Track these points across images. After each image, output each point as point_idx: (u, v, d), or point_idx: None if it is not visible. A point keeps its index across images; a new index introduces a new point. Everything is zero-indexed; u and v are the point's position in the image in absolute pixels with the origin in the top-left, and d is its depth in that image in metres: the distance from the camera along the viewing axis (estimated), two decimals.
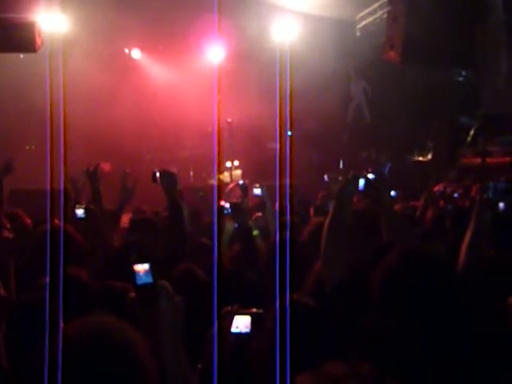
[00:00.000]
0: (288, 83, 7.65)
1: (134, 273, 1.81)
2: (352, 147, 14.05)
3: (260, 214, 5.45)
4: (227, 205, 4.81)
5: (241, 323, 2.22)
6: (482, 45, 10.61)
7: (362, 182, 3.02)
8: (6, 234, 3.30)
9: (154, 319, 1.78)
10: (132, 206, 5.94)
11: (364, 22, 13.88)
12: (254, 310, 2.25)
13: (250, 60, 12.90)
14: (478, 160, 11.13)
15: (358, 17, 14.01)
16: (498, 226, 3.50)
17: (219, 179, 11.04)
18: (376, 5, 13.13)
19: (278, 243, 3.19)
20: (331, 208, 2.88)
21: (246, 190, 5.52)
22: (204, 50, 13.12)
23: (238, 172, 12.57)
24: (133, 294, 1.83)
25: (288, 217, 4.41)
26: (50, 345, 1.58)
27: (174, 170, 4.07)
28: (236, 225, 4.56)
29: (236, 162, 12.62)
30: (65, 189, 4.47)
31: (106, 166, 10.40)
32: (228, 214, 4.75)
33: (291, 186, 5.40)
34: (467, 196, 6.87)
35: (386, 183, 3.44)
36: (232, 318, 2.22)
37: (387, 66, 11.73)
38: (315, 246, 2.85)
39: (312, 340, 2.14)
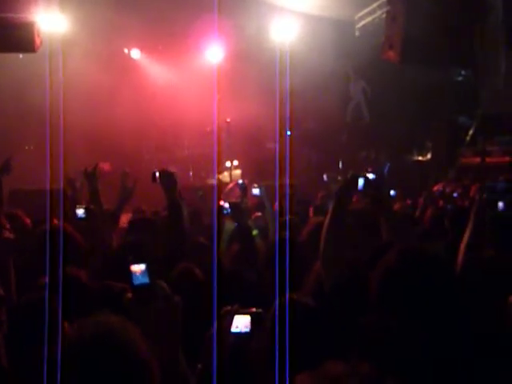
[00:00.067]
0: (287, 83, 7.64)
1: (130, 273, 1.81)
2: (351, 147, 14.07)
3: (259, 213, 5.45)
4: (226, 204, 4.82)
5: (240, 323, 2.22)
6: (482, 45, 10.62)
7: (361, 181, 3.01)
8: (6, 234, 3.29)
9: (151, 319, 1.78)
10: (131, 205, 5.95)
11: (363, 22, 13.87)
12: (254, 309, 2.25)
13: (249, 60, 12.89)
14: (477, 160, 11.12)
15: (357, 17, 13.99)
16: (498, 226, 3.51)
17: (218, 179, 11.06)
18: (375, 5, 13.13)
19: (277, 243, 3.19)
20: (330, 208, 2.88)
21: (245, 189, 5.51)
22: (203, 49, 13.12)
23: (238, 172, 12.56)
24: (130, 295, 1.84)
25: (287, 216, 4.42)
26: (49, 344, 1.58)
27: (173, 169, 4.08)
28: (235, 224, 4.56)
29: (235, 162, 12.61)
30: (64, 188, 4.47)
31: (105, 166, 10.40)
32: (227, 213, 4.76)
33: (291, 185, 5.41)
34: (466, 196, 6.88)
35: (386, 183, 3.44)
36: (232, 318, 2.23)
37: (386, 66, 11.75)
38: (314, 245, 2.85)
39: (311, 340, 2.14)
